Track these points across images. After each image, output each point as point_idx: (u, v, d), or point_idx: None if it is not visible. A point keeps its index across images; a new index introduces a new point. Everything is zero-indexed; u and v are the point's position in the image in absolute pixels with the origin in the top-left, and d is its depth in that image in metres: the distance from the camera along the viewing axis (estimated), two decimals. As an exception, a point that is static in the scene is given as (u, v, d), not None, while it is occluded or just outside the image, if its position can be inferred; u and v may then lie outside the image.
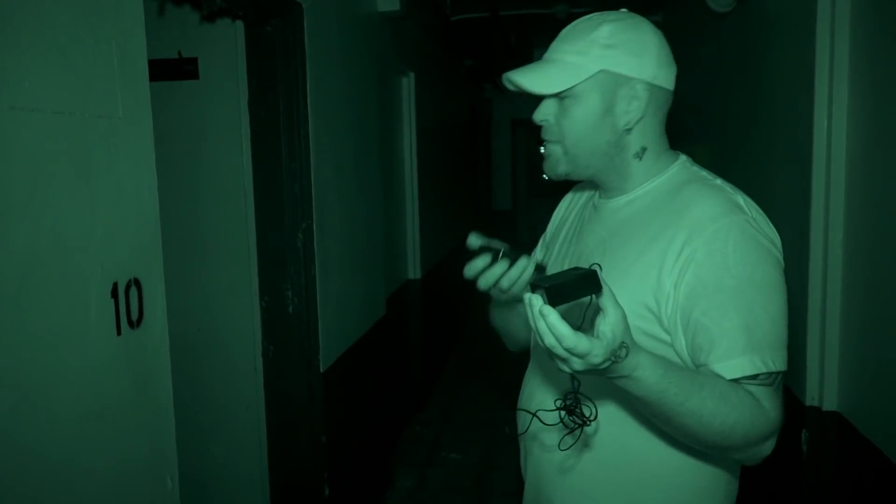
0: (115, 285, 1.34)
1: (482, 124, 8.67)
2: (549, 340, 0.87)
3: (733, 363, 1.03)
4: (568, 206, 1.45)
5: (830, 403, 2.02)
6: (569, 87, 1.12)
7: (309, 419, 2.52)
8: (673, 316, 1.07)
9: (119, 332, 1.35)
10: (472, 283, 1.21)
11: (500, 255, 1.15)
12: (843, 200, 1.97)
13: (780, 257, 1.10)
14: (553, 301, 0.87)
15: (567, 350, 0.87)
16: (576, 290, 0.88)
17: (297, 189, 2.42)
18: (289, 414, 2.52)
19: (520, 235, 10.83)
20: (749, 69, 2.60)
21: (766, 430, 1.03)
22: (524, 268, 1.17)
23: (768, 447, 1.07)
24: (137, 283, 1.41)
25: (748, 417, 1.01)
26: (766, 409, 1.03)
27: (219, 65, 2.44)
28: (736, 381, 1.03)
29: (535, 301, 0.87)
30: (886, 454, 1.75)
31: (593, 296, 0.89)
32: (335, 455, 2.69)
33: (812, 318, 2.03)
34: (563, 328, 0.85)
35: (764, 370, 1.03)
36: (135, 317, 1.41)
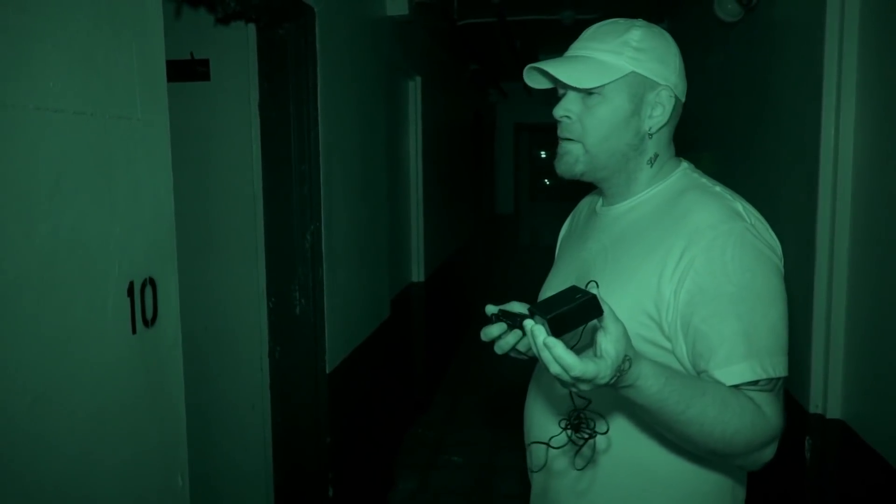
0: (132, 284, 1.36)
1: (486, 128, 8.69)
2: (555, 369, 0.87)
3: (733, 370, 1.04)
4: (572, 220, 1.47)
5: (834, 411, 2.03)
6: (603, 83, 1.13)
7: (314, 420, 2.54)
8: (673, 323, 1.09)
9: (134, 331, 1.37)
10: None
11: (516, 322, 1.08)
12: (850, 210, 1.98)
13: (780, 264, 1.11)
14: (556, 331, 0.86)
15: (574, 378, 0.87)
16: (578, 317, 0.88)
17: (306, 191, 2.44)
18: (294, 414, 2.54)
19: (522, 238, 10.86)
20: (756, 78, 2.61)
21: (768, 435, 1.04)
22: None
23: (769, 453, 1.08)
24: (152, 282, 1.43)
25: (749, 424, 1.02)
26: (767, 415, 1.04)
27: (230, 67, 2.46)
28: (736, 387, 1.04)
29: (539, 332, 0.87)
30: (890, 462, 1.76)
31: (592, 322, 0.89)
32: (339, 456, 2.70)
33: (817, 326, 2.05)
34: (570, 358, 0.85)
35: (764, 376, 1.04)
36: (149, 315, 1.42)
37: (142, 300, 1.39)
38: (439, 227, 5.06)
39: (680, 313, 1.07)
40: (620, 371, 0.91)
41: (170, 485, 1.51)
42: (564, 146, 1.20)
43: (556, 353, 0.85)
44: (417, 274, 4.45)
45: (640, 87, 1.15)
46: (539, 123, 10.34)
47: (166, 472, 1.50)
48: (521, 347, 1.12)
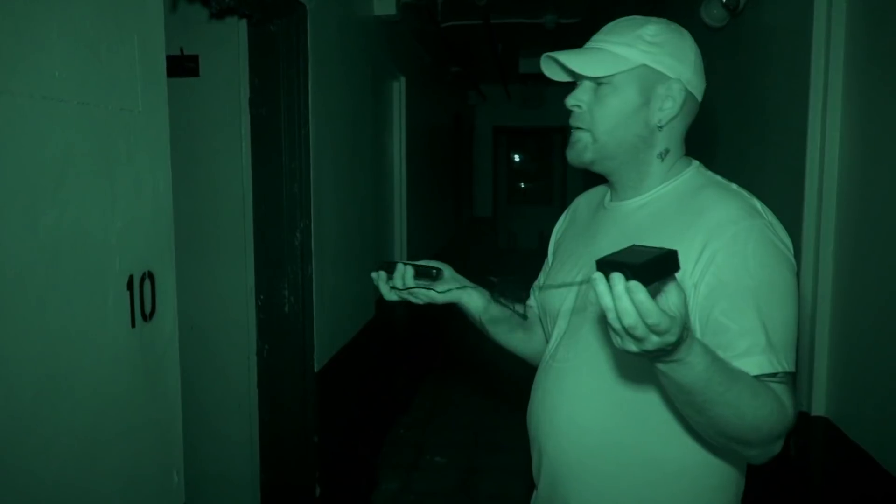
0: (131, 278, 1.35)
1: (465, 130, 8.71)
2: (631, 320, 0.82)
3: (755, 360, 1.04)
4: (572, 213, 1.47)
5: (819, 408, 2.07)
6: (610, 73, 1.15)
7: (302, 419, 2.52)
8: (692, 318, 1.09)
9: (133, 325, 1.36)
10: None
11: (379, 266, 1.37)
12: (835, 212, 2.02)
13: (794, 262, 1.13)
14: (642, 280, 0.81)
15: (649, 327, 0.83)
16: (660, 269, 0.83)
17: (296, 189, 2.43)
18: (282, 413, 2.52)
19: (500, 241, 10.89)
20: (742, 83, 2.66)
21: (786, 426, 1.05)
22: (403, 271, 1.36)
23: (779, 446, 1.08)
24: (151, 276, 1.42)
25: (776, 412, 1.03)
26: (785, 405, 1.05)
27: (220, 62, 2.44)
28: (756, 378, 1.05)
29: (619, 279, 0.81)
30: (873, 456, 1.80)
31: (667, 278, 0.84)
32: (326, 455, 2.69)
33: (803, 325, 2.08)
34: (652, 305, 0.81)
35: (780, 370, 1.06)
36: (148, 310, 1.41)
37: (141, 294, 1.38)
38: (421, 229, 5.06)
39: (699, 307, 1.08)
40: (682, 338, 0.88)
41: (166, 480, 1.49)
42: (576, 134, 1.22)
43: (638, 299, 0.81)
44: (400, 274, 4.44)
45: (650, 80, 1.17)
46: (517, 127, 10.41)
47: (163, 468, 1.48)
48: (397, 283, 1.37)
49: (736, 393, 0.99)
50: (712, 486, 1.18)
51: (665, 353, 0.90)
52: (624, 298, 0.82)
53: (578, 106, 1.20)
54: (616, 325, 0.85)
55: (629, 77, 1.16)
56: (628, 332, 0.84)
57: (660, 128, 1.19)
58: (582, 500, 1.23)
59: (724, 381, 0.97)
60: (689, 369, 0.93)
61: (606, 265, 0.83)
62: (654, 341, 0.85)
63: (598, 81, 1.18)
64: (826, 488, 2.07)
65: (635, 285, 0.81)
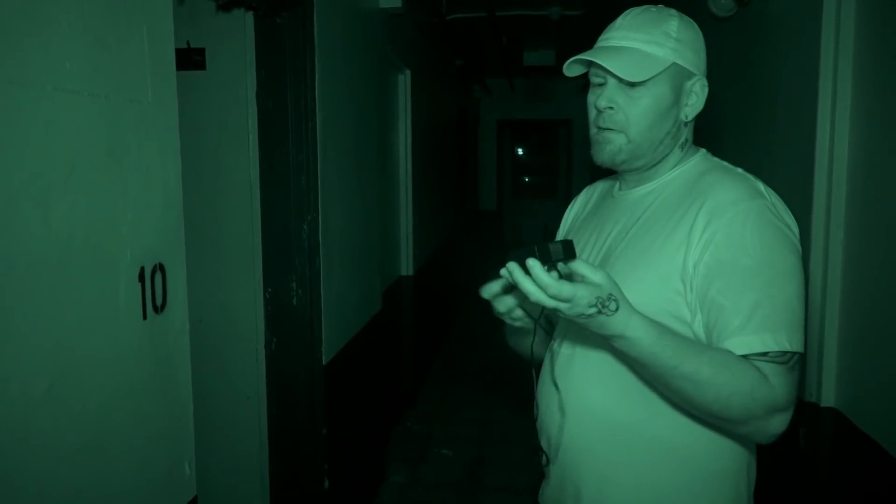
0: (142, 270, 1.35)
1: (470, 124, 8.70)
2: (536, 295, 0.95)
3: (742, 340, 1.06)
4: (584, 203, 1.47)
5: (828, 399, 2.07)
6: (653, 76, 1.15)
7: (310, 411, 2.53)
8: (692, 296, 1.12)
9: (145, 317, 1.36)
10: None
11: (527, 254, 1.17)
12: (844, 202, 2.02)
13: (798, 244, 1.14)
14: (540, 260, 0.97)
15: (553, 297, 0.95)
16: (555, 253, 0.98)
17: (303, 181, 2.43)
18: (290, 405, 2.53)
19: (504, 235, 10.88)
20: (750, 74, 2.64)
21: (770, 404, 1.05)
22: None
23: (776, 424, 1.07)
24: (162, 268, 1.42)
25: (748, 390, 1.03)
26: (771, 384, 1.05)
27: (226, 55, 2.44)
28: (746, 357, 1.06)
29: (514, 267, 0.96)
30: (883, 446, 1.80)
31: (561, 262, 0.99)
32: (335, 448, 2.69)
33: (811, 316, 2.08)
34: (546, 277, 0.94)
35: (775, 349, 1.06)
36: (159, 302, 1.41)
37: (152, 286, 1.38)
38: (427, 222, 5.06)
39: (698, 285, 1.11)
40: (603, 306, 0.97)
41: (177, 472, 1.50)
42: (606, 136, 1.21)
43: (534, 273, 0.95)
44: (406, 268, 4.45)
45: (679, 78, 1.18)
46: (522, 120, 10.39)
47: (174, 460, 1.49)
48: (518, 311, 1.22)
49: (692, 368, 1.03)
50: (721, 470, 1.19)
51: (592, 320, 0.99)
52: (526, 281, 0.96)
53: (611, 107, 1.19)
54: (530, 302, 0.97)
55: (663, 76, 1.16)
56: (542, 306, 0.97)
57: (685, 123, 1.22)
58: (591, 487, 1.23)
59: (675, 355, 1.02)
60: (632, 344, 1.02)
61: (512, 256, 0.99)
62: (565, 307, 0.97)
63: (633, 84, 1.16)
64: (836, 479, 2.07)
65: (531, 263, 0.95)
